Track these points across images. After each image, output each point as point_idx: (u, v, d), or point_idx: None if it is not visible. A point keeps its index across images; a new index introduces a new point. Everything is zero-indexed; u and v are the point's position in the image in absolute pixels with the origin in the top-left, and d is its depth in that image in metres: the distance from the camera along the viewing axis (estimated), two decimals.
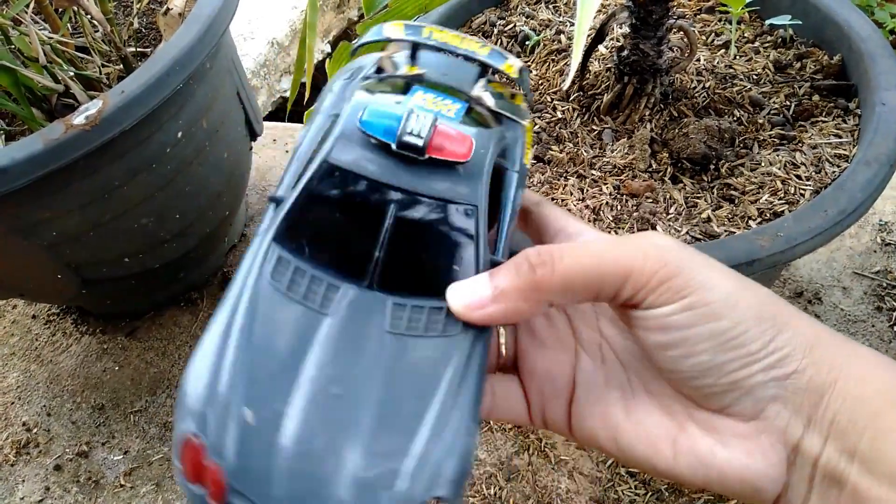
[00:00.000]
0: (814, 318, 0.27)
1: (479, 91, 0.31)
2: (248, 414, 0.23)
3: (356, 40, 0.35)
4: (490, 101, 0.31)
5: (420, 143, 0.26)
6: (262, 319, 0.25)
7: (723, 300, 0.25)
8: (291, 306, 0.25)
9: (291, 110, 0.61)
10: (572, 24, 0.66)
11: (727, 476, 0.26)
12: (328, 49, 1.35)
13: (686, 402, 0.28)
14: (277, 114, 1.24)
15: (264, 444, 0.23)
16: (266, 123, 1.03)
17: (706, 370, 0.26)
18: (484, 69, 0.32)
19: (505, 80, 0.33)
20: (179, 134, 0.63)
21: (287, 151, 1.03)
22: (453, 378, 0.24)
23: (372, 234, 0.26)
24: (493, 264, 0.27)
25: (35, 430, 0.76)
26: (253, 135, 0.80)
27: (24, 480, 0.72)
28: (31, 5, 0.68)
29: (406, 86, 0.31)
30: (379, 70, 0.33)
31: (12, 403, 0.79)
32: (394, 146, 0.26)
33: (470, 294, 0.26)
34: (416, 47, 0.33)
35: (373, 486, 0.22)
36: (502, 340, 0.32)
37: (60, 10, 0.68)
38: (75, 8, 0.64)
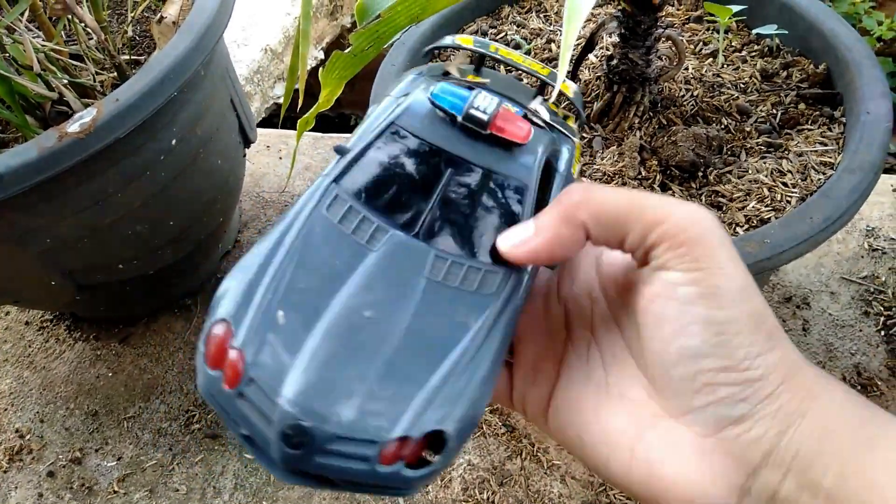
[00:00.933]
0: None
1: (536, 105, 0.35)
2: (280, 315, 0.25)
3: (430, 45, 0.40)
4: (545, 114, 0.34)
5: (485, 118, 0.28)
6: (313, 240, 0.27)
7: (731, 292, 0.24)
8: (341, 236, 0.27)
9: (285, 117, 0.61)
10: (562, 34, 0.67)
11: (672, 491, 0.25)
12: (321, 56, 1.35)
13: (655, 409, 0.27)
14: (271, 120, 1.24)
15: (289, 344, 0.24)
16: (260, 130, 1.03)
17: (689, 357, 0.25)
18: (540, 89, 0.36)
19: (557, 102, 0.37)
20: (173, 141, 0.63)
21: (281, 158, 1.03)
22: (479, 332, 0.26)
23: (426, 192, 0.28)
24: None
25: (28, 437, 0.76)
26: (247, 142, 0.80)
27: (16, 487, 0.72)
28: (26, 13, 0.68)
29: (469, 88, 0.34)
30: (445, 74, 0.37)
31: (5, 410, 0.79)
32: (460, 118, 0.28)
33: (516, 234, 0.27)
34: (480, 62, 0.38)
35: (376, 414, 0.23)
36: None
37: (55, 18, 0.69)
38: (70, 16, 0.64)
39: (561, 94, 0.36)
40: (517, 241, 0.27)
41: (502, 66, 0.37)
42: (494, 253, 0.28)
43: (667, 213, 0.25)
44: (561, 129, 0.35)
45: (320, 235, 0.27)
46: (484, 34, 0.68)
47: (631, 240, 0.26)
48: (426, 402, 0.24)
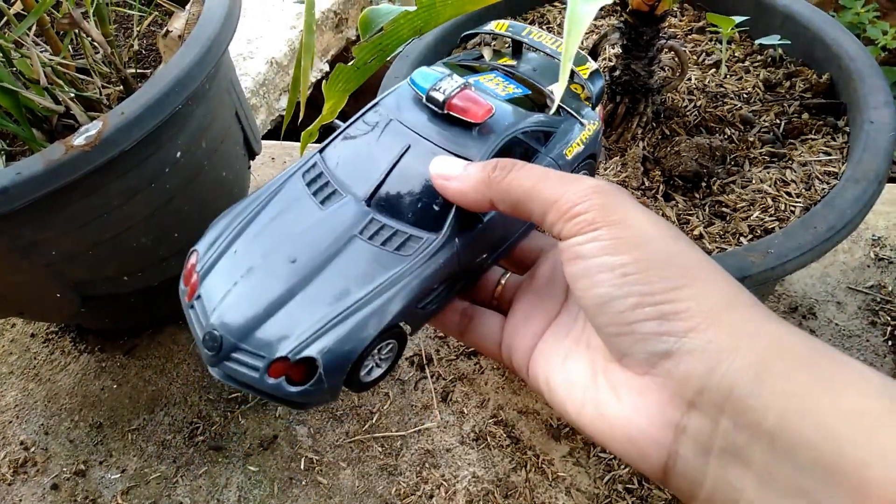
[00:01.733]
0: (739, 284, 0.26)
1: (554, 87, 0.37)
2: (233, 252, 0.31)
3: (467, 31, 0.45)
4: (557, 95, 0.36)
5: (441, 98, 0.31)
6: (281, 198, 0.33)
7: (630, 238, 0.26)
8: (303, 196, 0.32)
9: (289, 129, 0.62)
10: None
11: (616, 431, 0.26)
12: (327, 68, 1.36)
13: (607, 355, 0.28)
14: (276, 132, 1.25)
15: (230, 275, 0.30)
16: (265, 142, 1.04)
17: (604, 304, 0.26)
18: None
19: (582, 86, 0.40)
20: (178, 154, 0.64)
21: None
22: (381, 284, 0.29)
23: (384, 163, 0.32)
24: (470, 218, 0.32)
25: (33, 449, 0.76)
26: (251, 154, 0.81)
27: (21, 500, 0.72)
28: (33, 28, 0.69)
29: (492, 69, 0.39)
30: (480, 58, 0.42)
31: (10, 422, 0.79)
32: (424, 99, 0.32)
33: (446, 167, 0.30)
34: (517, 45, 0.41)
35: (271, 336, 0.28)
36: (503, 282, 0.37)
37: (62, 32, 0.70)
38: (76, 30, 0.65)
39: (577, 74, 0.38)
40: (443, 171, 0.30)
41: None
42: (424, 220, 0.31)
43: (561, 192, 0.27)
44: (568, 109, 0.37)
45: (288, 195, 0.33)
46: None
47: (536, 218, 0.29)
48: (311, 335, 0.28)
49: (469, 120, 0.31)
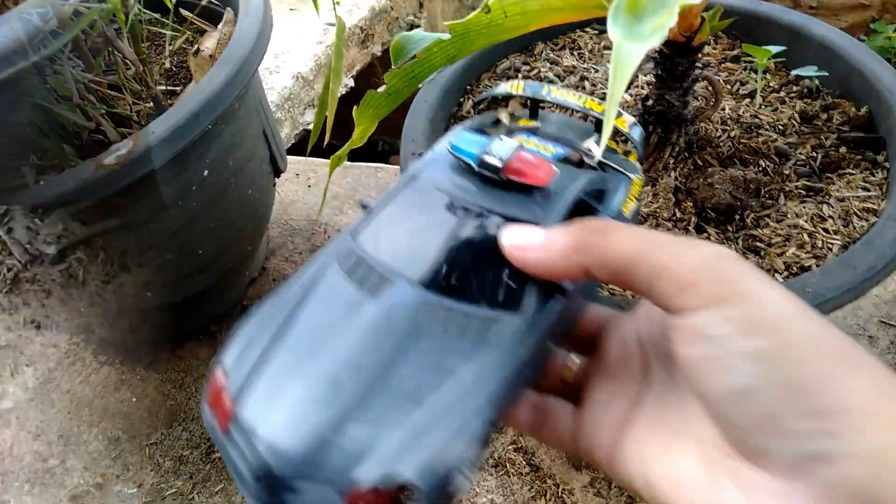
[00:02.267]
0: (888, 369, 0.22)
1: (590, 143, 0.34)
2: (273, 366, 0.26)
3: (479, 94, 0.40)
4: (597, 151, 0.33)
5: (500, 163, 0.28)
6: (320, 294, 0.27)
7: (766, 317, 0.22)
8: (347, 289, 0.27)
9: (314, 145, 0.62)
10: (596, 70, 0.67)
11: None
12: (352, 83, 1.37)
13: (727, 449, 0.24)
14: (300, 146, 1.26)
15: (276, 389, 0.25)
16: (289, 158, 1.04)
17: (743, 395, 0.22)
18: (598, 126, 0.35)
19: (621, 139, 0.37)
20: (206, 172, 0.64)
21: (310, 186, 1.04)
22: (469, 385, 0.24)
23: (439, 242, 0.28)
24: (550, 290, 0.27)
25: (51, 461, 0.76)
26: (277, 171, 0.81)
27: None
28: (68, 45, 0.70)
29: (523, 131, 0.35)
30: (496, 122, 0.38)
31: (29, 433, 0.79)
32: (475, 166, 0.28)
33: (521, 235, 0.27)
34: (535, 105, 0.38)
35: (345, 462, 0.23)
36: (569, 364, 0.32)
37: (95, 50, 0.70)
38: (110, 48, 0.66)
39: (617, 129, 0.35)
40: (519, 241, 0.27)
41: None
42: (496, 298, 0.27)
43: (674, 257, 0.24)
44: (613, 165, 0.34)
45: (327, 289, 0.28)
46: (517, 71, 0.68)
47: (637, 286, 0.25)
48: (396, 453, 0.23)
49: (531, 183, 0.28)
